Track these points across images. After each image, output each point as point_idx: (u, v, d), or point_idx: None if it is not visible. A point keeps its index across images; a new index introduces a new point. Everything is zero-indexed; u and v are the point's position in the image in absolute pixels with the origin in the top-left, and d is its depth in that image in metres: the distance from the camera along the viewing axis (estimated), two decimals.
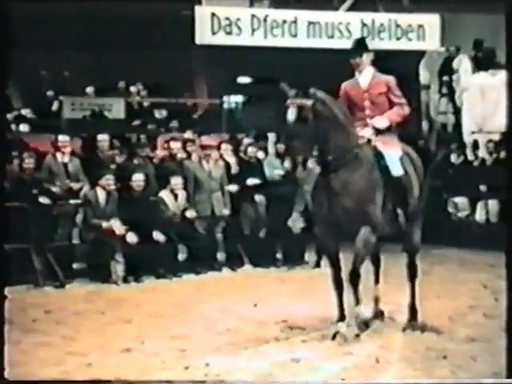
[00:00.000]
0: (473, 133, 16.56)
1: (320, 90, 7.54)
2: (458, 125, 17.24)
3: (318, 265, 12.17)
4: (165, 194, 12.41)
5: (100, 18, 15.54)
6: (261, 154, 13.64)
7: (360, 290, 7.68)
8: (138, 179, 12.06)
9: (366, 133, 7.81)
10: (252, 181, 12.96)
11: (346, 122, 7.67)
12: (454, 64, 17.20)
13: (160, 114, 17.09)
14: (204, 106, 17.88)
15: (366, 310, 8.09)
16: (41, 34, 15.40)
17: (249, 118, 17.38)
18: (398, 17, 16.79)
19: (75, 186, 12.18)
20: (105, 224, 11.53)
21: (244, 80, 18.19)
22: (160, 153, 13.30)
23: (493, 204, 14.47)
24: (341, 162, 7.53)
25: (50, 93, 16.98)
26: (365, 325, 7.97)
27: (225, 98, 18.11)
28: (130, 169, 12.48)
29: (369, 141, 7.80)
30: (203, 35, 15.91)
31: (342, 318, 7.84)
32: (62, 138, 12.54)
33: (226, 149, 13.31)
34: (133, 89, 17.42)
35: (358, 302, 7.73)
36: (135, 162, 12.95)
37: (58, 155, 12.31)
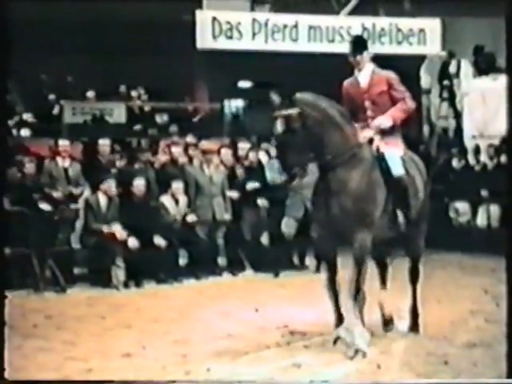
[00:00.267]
0: (474, 137, 16.56)
1: (310, 92, 7.42)
2: (458, 129, 17.25)
3: (318, 269, 12.15)
4: (166, 199, 12.40)
5: (101, 22, 15.54)
6: (263, 158, 13.61)
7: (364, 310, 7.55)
8: (138, 184, 12.04)
9: (367, 134, 7.67)
10: (252, 185, 12.96)
11: (343, 120, 7.50)
12: (451, 68, 17.21)
13: (161, 118, 17.09)
14: (205, 111, 17.88)
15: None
16: (42, 39, 15.40)
17: (250, 122, 17.37)
18: (398, 21, 16.79)
19: (76, 191, 12.18)
20: (106, 229, 11.53)
21: (245, 84, 18.18)
22: (161, 157, 13.28)
23: (494, 209, 14.46)
24: (338, 161, 7.40)
25: (51, 97, 17.00)
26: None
27: (226, 103, 18.10)
28: (131, 173, 12.48)
29: (371, 140, 7.67)
30: (204, 39, 15.92)
31: (340, 321, 7.68)
32: (62, 143, 12.56)
33: (227, 153, 13.30)
34: (134, 93, 17.44)
35: (360, 311, 7.55)
36: (136, 166, 12.97)
37: (59, 160, 12.32)
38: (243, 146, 13.68)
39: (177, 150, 13.27)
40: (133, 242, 11.57)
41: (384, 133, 7.74)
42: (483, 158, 15.60)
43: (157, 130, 16.51)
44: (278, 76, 14.74)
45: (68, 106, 16.56)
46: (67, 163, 12.38)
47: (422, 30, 16.90)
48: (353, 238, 7.42)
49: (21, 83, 15.77)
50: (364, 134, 7.64)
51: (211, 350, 7.70)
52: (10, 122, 15.42)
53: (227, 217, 12.86)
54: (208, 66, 16.77)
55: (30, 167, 11.96)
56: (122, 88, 17.43)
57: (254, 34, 16.25)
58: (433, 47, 17.01)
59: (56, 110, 16.69)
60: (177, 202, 12.44)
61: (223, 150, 13.36)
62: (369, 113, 7.79)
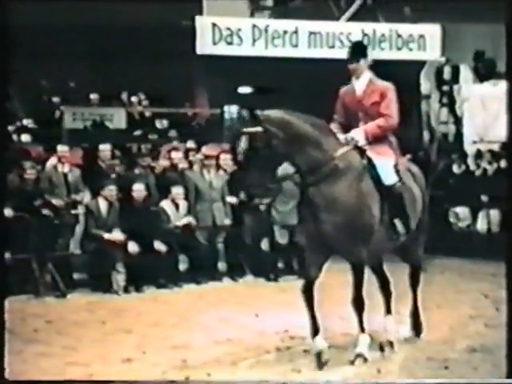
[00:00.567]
0: (474, 143, 16.57)
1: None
2: (458, 135, 17.25)
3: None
4: (166, 204, 12.41)
5: (101, 28, 15.55)
6: None
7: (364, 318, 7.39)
8: (138, 189, 12.05)
9: (342, 151, 7.26)
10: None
11: (320, 134, 7.20)
12: (446, 75, 17.23)
13: (161, 123, 17.11)
14: (205, 116, 17.89)
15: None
16: (42, 44, 15.41)
17: None
18: (398, 27, 16.80)
19: (76, 196, 12.19)
20: (106, 236, 11.53)
21: (245, 90, 18.19)
22: (161, 162, 13.30)
23: (494, 214, 14.47)
24: (317, 177, 7.11)
25: (51, 103, 17.00)
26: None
27: (225, 108, 18.10)
28: (131, 179, 12.50)
29: (362, 150, 7.42)
30: (204, 45, 15.93)
31: (315, 331, 7.39)
32: (62, 149, 12.57)
33: (226, 158, 13.30)
34: (134, 99, 17.45)
35: (362, 330, 7.41)
36: (136, 171, 12.98)
37: (59, 165, 12.33)
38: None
39: (177, 156, 13.30)
40: (133, 247, 11.58)
41: (374, 142, 7.49)
42: (484, 163, 15.60)
43: (157, 136, 16.52)
44: (278, 82, 14.75)
45: (68, 111, 16.55)
46: (67, 169, 12.39)
47: (421, 36, 16.91)
48: (348, 252, 7.21)
49: (21, 89, 15.78)
50: (339, 152, 7.25)
51: (211, 355, 7.71)
52: (11, 128, 15.42)
53: (227, 222, 12.87)
54: (208, 72, 16.77)
55: (30, 172, 11.97)
56: (123, 93, 17.44)
57: (254, 40, 16.26)
58: (433, 53, 17.02)
59: (56, 116, 16.70)
60: (177, 207, 12.45)
61: (223, 156, 13.36)
62: (361, 124, 7.56)
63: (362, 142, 7.45)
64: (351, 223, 7.08)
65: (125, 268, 11.47)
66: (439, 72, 17.36)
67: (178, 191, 12.44)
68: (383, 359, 7.47)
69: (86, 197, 12.28)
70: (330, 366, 7.23)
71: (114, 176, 12.58)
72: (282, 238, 12.76)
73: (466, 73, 17.27)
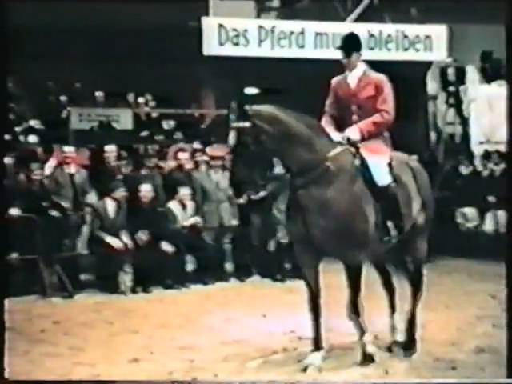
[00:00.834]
0: (481, 143, 16.54)
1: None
2: (465, 135, 17.24)
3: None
4: (173, 205, 12.42)
5: (107, 29, 15.55)
6: None
7: (362, 322, 7.29)
8: (145, 190, 12.07)
9: (336, 151, 7.06)
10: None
11: (312, 134, 6.97)
12: (451, 76, 17.21)
13: (168, 124, 17.09)
14: (211, 117, 17.88)
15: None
16: (49, 46, 15.43)
17: None
18: (405, 27, 16.78)
19: (83, 197, 12.21)
20: (108, 239, 11.51)
21: (251, 91, 18.18)
22: (169, 163, 13.31)
23: (502, 214, 14.44)
24: (307, 179, 6.88)
25: (58, 104, 17.00)
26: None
27: None
28: (138, 179, 12.50)
29: (356, 148, 7.18)
30: (210, 46, 15.94)
31: (317, 347, 7.26)
32: (68, 149, 12.60)
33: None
34: (141, 100, 17.45)
35: (362, 334, 7.29)
36: (143, 172, 12.99)
37: (65, 166, 12.35)
38: None
39: (184, 156, 13.31)
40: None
41: (367, 139, 7.24)
42: (490, 163, 15.58)
43: (164, 137, 16.52)
44: (284, 82, 14.74)
45: (75, 112, 16.54)
46: (73, 170, 12.41)
47: (428, 37, 16.88)
48: (342, 256, 7.03)
49: (28, 90, 15.80)
50: (332, 152, 7.03)
51: (218, 356, 7.71)
52: (18, 129, 15.45)
53: (234, 222, 12.88)
54: (214, 73, 16.77)
55: (37, 173, 11.98)
56: (129, 94, 17.45)
57: (260, 41, 16.26)
58: (439, 54, 16.99)
59: (63, 117, 16.70)
60: (184, 207, 12.46)
61: (228, 156, 13.34)
62: (354, 118, 7.33)
63: (357, 139, 7.26)
64: (344, 228, 6.84)
65: (132, 269, 11.48)
66: (446, 73, 17.35)
67: (185, 192, 12.45)
68: (390, 360, 7.45)
69: (92, 198, 12.29)
70: (337, 366, 7.22)
71: (120, 177, 12.58)
72: (284, 237, 12.72)
73: (472, 73, 17.26)
